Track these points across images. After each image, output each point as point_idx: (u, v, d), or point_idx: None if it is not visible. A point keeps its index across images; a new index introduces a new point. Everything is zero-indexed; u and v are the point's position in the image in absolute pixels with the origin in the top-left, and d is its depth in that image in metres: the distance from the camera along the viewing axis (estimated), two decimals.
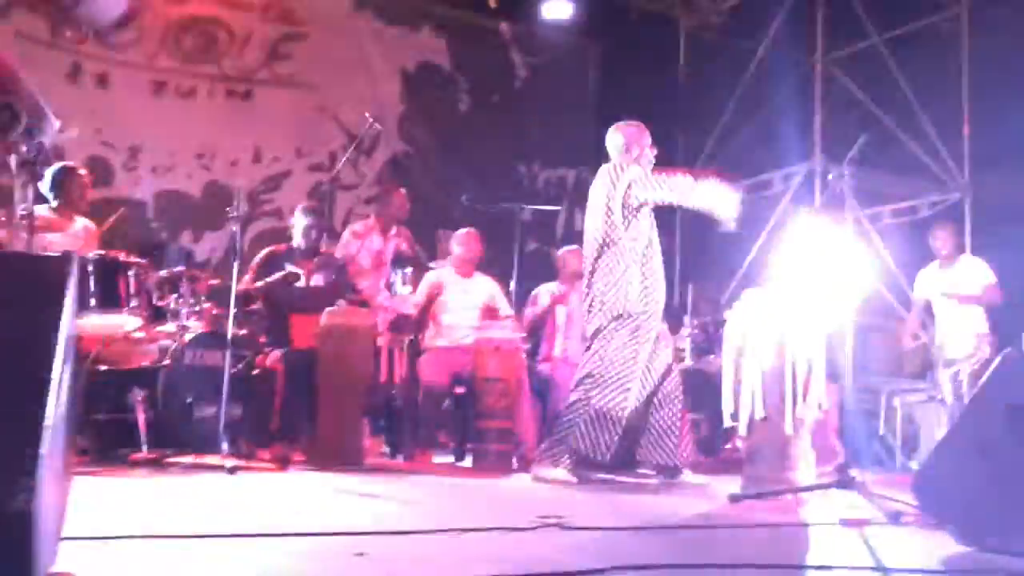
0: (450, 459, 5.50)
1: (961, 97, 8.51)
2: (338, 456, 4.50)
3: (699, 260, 9.23)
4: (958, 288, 6.22)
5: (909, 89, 8.53)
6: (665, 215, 9.19)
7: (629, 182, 4.30)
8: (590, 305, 4.38)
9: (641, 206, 4.31)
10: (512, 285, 6.58)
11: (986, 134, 8.65)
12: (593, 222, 4.41)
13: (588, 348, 4.37)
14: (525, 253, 8.87)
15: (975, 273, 6.24)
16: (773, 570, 2.24)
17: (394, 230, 5.99)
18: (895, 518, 3.01)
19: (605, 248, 4.33)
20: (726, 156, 9.32)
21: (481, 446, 5.10)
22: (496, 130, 8.92)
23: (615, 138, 4.54)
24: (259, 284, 5.13)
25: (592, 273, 4.37)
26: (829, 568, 2.34)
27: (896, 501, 3.15)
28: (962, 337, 6.15)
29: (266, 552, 2.11)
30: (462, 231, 5.87)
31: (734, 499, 3.54)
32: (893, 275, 8.06)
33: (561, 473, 4.20)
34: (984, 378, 2.48)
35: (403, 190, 6.14)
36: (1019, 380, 2.30)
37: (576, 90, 9.43)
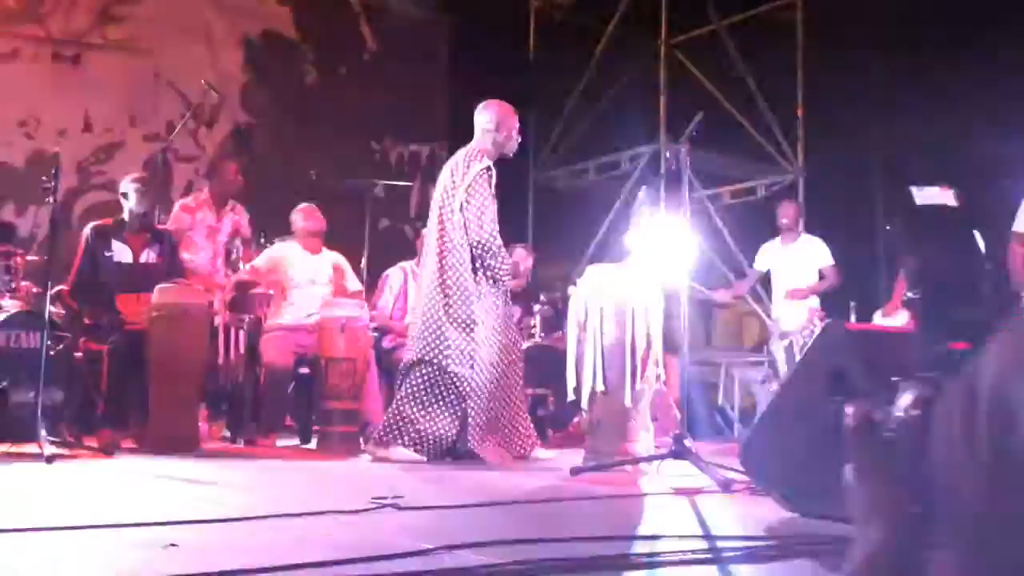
0: (294, 442, 5.34)
1: (796, 82, 8.92)
2: (171, 442, 4.28)
3: (550, 238, 9.33)
4: (798, 263, 6.51)
5: (748, 74, 8.86)
6: (519, 193, 9.30)
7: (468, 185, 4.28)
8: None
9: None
10: (363, 262, 6.46)
11: (819, 118, 9.11)
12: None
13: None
14: (378, 230, 8.75)
15: (814, 251, 6.55)
16: (606, 541, 2.25)
17: (229, 204, 5.76)
18: (726, 486, 3.11)
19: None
20: (574, 135, 9.46)
21: (326, 428, 4.97)
22: (345, 103, 8.70)
23: (485, 115, 4.46)
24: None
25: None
26: (659, 537, 2.38)
27: (728, 470, 3.26)
28: (796, 310, 6.44)
29: (66, 546, 1.95)
30: (304, 205, 5.68)
31: (575, 472, 3.58)
32: (732, 253, 8.37)
33: (405, 452, 4.15)
34: (807, 348, 2.57)
35: (235, 163, 5.90)
36: (839, 349, 2.39)
37: (427, 65, 9.30)
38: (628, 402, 3.86)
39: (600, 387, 3.86)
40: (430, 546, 1.95)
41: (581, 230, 9.13)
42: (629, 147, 9.10)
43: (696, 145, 8.06)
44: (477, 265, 4.26)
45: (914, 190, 3.72)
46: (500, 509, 2.84)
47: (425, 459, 4.17)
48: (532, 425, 4.58)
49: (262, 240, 5.98)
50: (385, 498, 2.66)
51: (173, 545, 1.92)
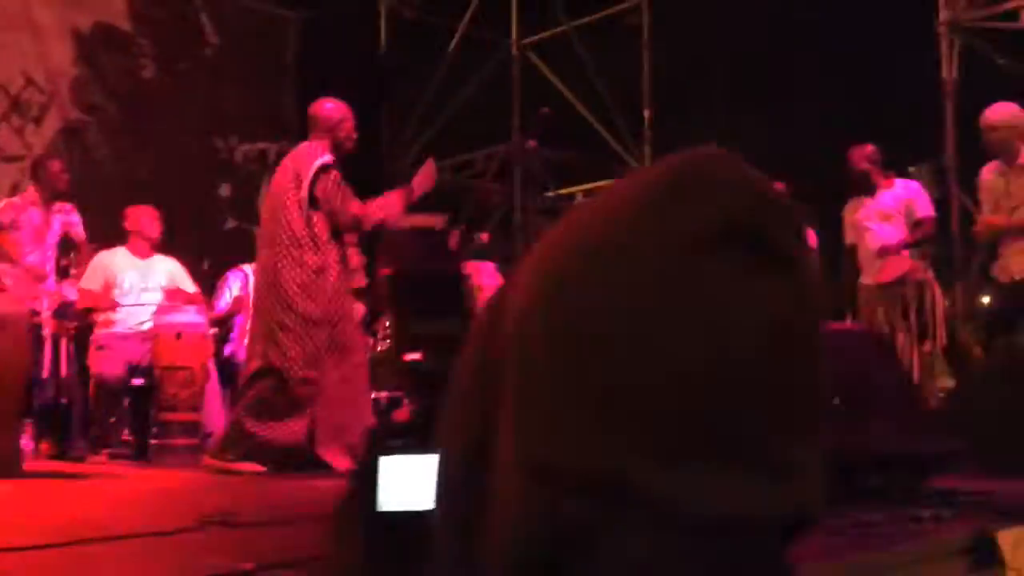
0: (130, 458, 5.03)
1: (643, 82, 9.14)
2: None
3: None
4: None
5: (597, 75, 9.01)
6: (372, 193, 9.14)
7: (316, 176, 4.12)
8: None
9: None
10: (206, 265, 6.21)
11: (667, 119, 9.36)
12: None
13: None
14: (223, 231, 8.42)
15: None
16: None
17: (58, 204, 5.39)
18: None
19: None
20: (429, 134, 9.38)
21: (164, 441, 4.71)
22: (186, 99, 8.32)
23: (320, 113, 4.31)
24: None
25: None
26: None
27: None
28: None
29: None
30: (135, 207, 5.39)
31: None
32: None
33: (247, 464, 3.96)
34: None
35: (59, 161, 5.54)
36: None
37: (274, 61, 9.02)
38: None
39: None
40: (250, 566, 1.83)
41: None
42: (484, 146, 9.11)
43: (549, 145, 8.15)
44: (329, 260, 4.12)
45: (410, 215, 3.85)
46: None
47: (268, 470, 3.99)
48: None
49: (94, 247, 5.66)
50: (214, 515, 2.51)
51: None
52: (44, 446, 5.05)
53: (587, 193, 9.50)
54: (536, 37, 9.23)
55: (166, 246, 5.65)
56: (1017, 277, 4.48)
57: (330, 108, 4.29)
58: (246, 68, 8.66)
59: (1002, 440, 2.89)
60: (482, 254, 4.20)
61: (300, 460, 4.06)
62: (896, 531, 2.03)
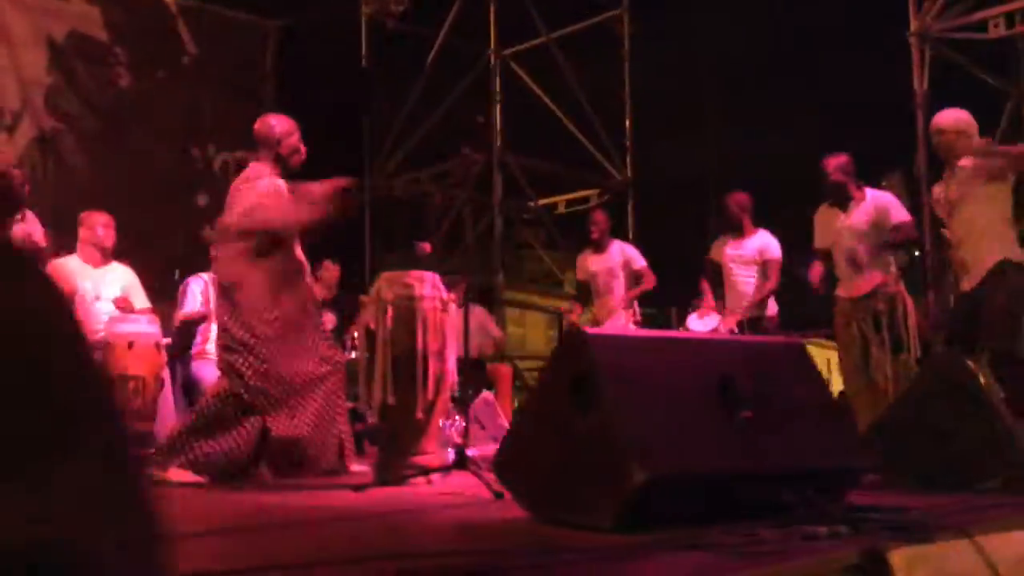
0: None
1: (624, 93, 9.11)
2: None
3: (390, 246, 9.20)
4: (612, 270, 6.60)
5: (578, 85, 8.99)
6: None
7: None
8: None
9: None
10: (177, 275, 6.20)
11: (648, 127, 9.33)
12: None
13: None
14: (200, 241, 8.39)
15: (626, 256, 6.65)
16: (353, 564, 2.14)
17: (19, 213, 5.37)
18: (499, 495, 3.05)
19: None
20: (411, 143, 9.36)
21: None
22: (163, 108, 8.31)
23: (264, 129, 4.27)
24: None
25: None
26: (418, 555, 2.29)
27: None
28: (614, 315, 6.53)
29: None
30: (91, 213, 5.36)
31: (356, 489, 3.45)
32: (569, 261, 8.46)
33: (183, 473, 3.91)
34: (552, 354, 2.54)
35: (19, 171, 5.53)
36: (580, 353, 2.37)
37: (253, 70, 9.00)
38: (420, 413, 3.77)
39: (391, 399, 3.76)
40: None
41: (420, 238, 9.03)
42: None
43: (531, 154, 8.06)
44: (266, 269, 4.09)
45: None
46: (263, 532, 2.69)
47: (206, 481, 3.94)
48: (351, 438, 4.39)
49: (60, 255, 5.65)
50: None
51: None
52: None
53: (568, 203, 9.48)
54: (517, 47, 9.21)
55: (143, 255, 5.65)
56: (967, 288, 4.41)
57: (271, 125, 4.26)
58: (224, 77, 8.65)
59: (922, 455, 2.83)
60: (424, 264, 4.15)
61: (241, 472, 4.01)
62: (788, 548, 1.98)
